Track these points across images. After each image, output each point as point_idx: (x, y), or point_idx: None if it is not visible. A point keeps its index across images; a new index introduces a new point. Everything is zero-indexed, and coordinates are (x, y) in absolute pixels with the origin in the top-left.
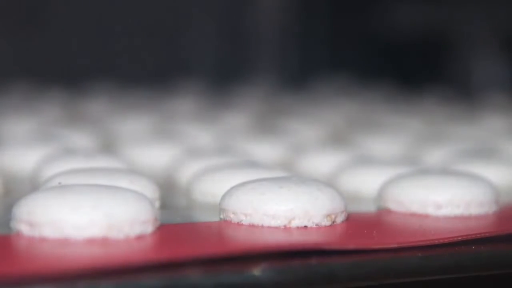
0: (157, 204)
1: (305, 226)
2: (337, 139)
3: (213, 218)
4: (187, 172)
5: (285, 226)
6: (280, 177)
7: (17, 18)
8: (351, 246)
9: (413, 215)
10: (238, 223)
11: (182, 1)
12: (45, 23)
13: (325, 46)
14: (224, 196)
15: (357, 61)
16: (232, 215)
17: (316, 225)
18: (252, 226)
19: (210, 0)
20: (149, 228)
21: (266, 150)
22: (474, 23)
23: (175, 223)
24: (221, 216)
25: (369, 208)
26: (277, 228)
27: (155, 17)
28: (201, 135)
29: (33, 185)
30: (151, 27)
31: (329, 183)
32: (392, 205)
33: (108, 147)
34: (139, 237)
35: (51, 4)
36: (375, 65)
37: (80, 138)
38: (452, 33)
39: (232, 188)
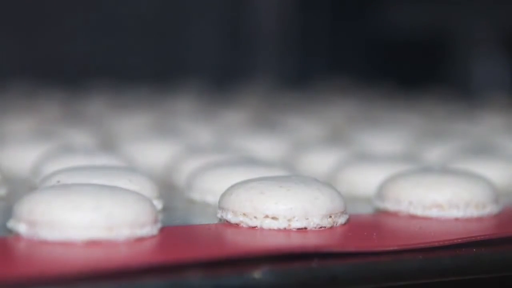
0: (159, 205)
1: (305, 228)
2: (337, 137)
3: (212, 218)
4: (186, 169)
5: (284, 227)
6: (280, 176)
7: (17, 16)
8: (351, 248)
9: (413, 217)
10: (238, 224)
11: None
12: (45, 21)
13: (325, 46)
14: (223, 195)
15: (357, 61)
16: (231, 214)
17: (315, 225)
18: (252, 227)
19: None
20: (149, 230)
21: (266, 147)
22: (474, 22)
23: (175, 224)
24: (220, 215)
25: (368, 206)
26: (277, 230)
27: (155, 15)
28: (200, 132)
29: (32, 183)
30: (151, 25)
31: (328, 181)
32: (391, 203)
33: (107, 145)
34: (139, 240)
35: (51, 3)
36: (375, 65)
37: (80, 136)
38: (452, 32)
39: (232, 186)
